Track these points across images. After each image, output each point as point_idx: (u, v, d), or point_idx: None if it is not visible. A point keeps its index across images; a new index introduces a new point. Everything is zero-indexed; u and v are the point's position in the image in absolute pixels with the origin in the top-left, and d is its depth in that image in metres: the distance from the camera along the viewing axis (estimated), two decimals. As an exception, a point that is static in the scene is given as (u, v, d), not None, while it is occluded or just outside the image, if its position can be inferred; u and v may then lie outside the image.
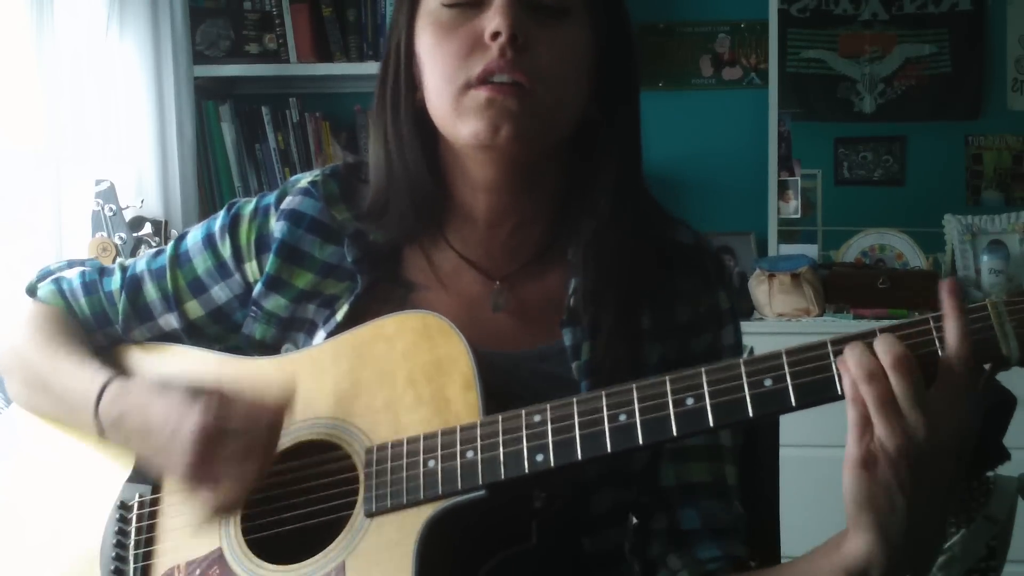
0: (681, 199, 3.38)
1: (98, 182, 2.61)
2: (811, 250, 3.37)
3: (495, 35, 1.02)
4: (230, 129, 3.34)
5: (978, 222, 3.30)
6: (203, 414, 1.01)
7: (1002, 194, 3.44)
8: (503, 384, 1.06)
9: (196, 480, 1.02)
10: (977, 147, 3.45)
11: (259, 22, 3.35)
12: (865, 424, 0.86)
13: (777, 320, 3.06)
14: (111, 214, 2.58)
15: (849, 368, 0.87)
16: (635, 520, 1.13)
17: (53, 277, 1.26)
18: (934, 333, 0.87)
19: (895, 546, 0.87)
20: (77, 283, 1.24)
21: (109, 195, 2.59)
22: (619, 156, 1.12)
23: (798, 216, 3.47)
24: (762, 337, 2.67)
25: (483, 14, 1.04)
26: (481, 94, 1.03)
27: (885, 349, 0.86)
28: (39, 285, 1.26)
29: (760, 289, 3.12)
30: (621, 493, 1.10)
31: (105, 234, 2.58)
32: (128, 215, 2.64)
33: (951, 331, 0.86)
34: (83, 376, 1.15)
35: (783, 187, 3.46)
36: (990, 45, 3.44)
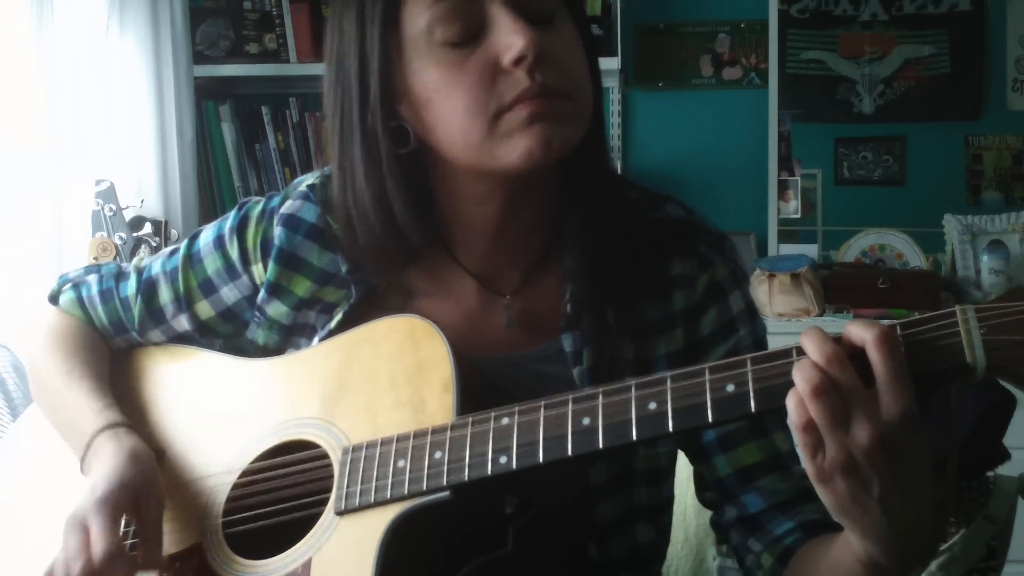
0: (681, 199, 3.37)
1: (98, 182, 2.61)
2: (811, 250, 3.37)
3: (519, 59, 0.97)
4: (230, 129, 3.34)
5: (978, 222, 3.30)
6: (94, 509, 1.03)
7: (1002, 194, 3.44)
8: (493, 386, 1.06)
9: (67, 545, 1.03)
10: (977, 147, 3.45)
11: (259, 22, 3.35)
12: (815, 445, 0.83)
13: (777, 320, 3.06)
14: (111, 214, 2.58)
15: (796, 387, 0.84)
16: (710, 515, 1.15)
17: (72, 284, 1.28)
18: (900, 340, 0.83)
19: (886, 538, 0.85)
20: (95, 291, 1.26)
21: (109, 195, 2.59)
22: (601, 149, 1.11)
23: (798, 216, 3.47)
24: (762, 337, 2.67)
25: (488, 39, 0.99)
26: (521, 113, 0.98)
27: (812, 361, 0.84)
28: (60, 292, 1.28)
29: (760, 289, 3.12)
30: (636, 496, 1.10)
31: (105, 234, 2.58)
32: (128, 215, 2.64)
33: (869, 348, 0.83)
34: (88, 414, 1.15)
35: (783, 187, 3.46)
36: (990, 45, 3.44)
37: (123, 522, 1.04)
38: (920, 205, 3.43)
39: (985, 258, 3.22)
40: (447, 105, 1.00)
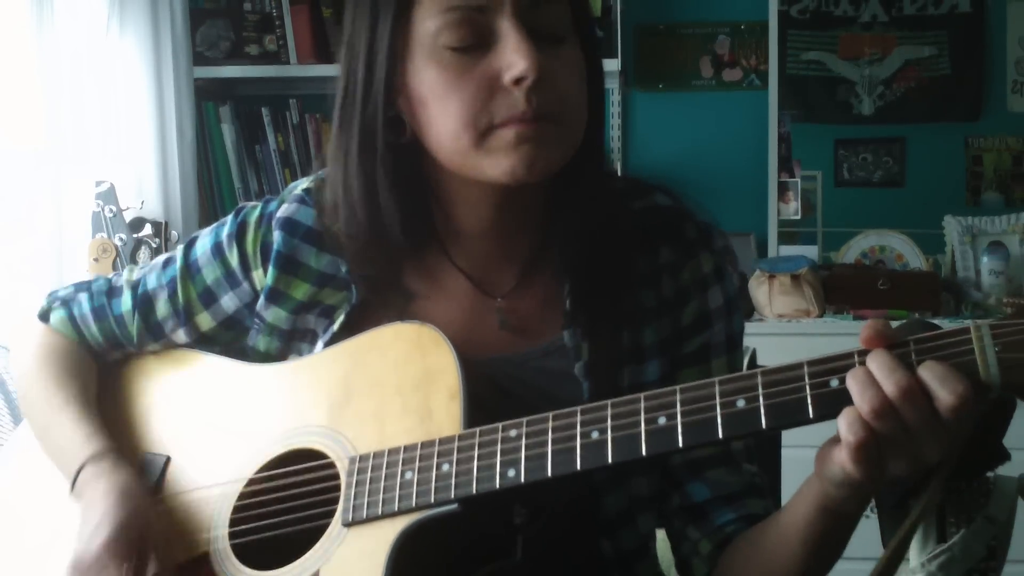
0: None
1: (98, 183, 2.61)
2: (811, 251, 3.37)
3: (519, 79, 0.98)
4: (230, 130, 3.34)
5: (978, 223, 3.30)
6: (99, 547, 1.05)
7: (1002, 195, 3.44)
8: (500, 390, 1.05)
9: None
10: (977, 148, 3.45)
11: (259, 23, 3.35)
12: (877, 453, 0.85)
13: (777, 321, 3.06)
14: (111, 215, 2.58)
15: (867, 402, 0.84)
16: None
17: (62, 302, 1.26)
18: (913, 357, 0.85)
19: (875, 489, 0.90)
20: (87, 308, 1.24)
21: (109, 196, 2.59)
22: (596, 161, 1.12)
23: (798, 217, 3.47)
24: (763, 338, 2.67)
25: (492, 53, 1.00)
26: (509, 133, 0.99)
27: (894, 378, 0.84)
28: (51, 310, 1.26)
29: (760, 290, 3.12)
30: (636, 486, 1.11)
31: (105, 235, 2.58)
32: (128, 216, 2.64)
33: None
34: (74, 441, 1.16)
35: (783, 188, 3.46)
36: (990, 47, 3.44)
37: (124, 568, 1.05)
38: (920, 206, 3.43)
39: (985, 259, 3.22)
40: (441, 108, 1.01)
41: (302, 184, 1.19)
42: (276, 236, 1.15)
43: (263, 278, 1.17)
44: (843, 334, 2.96)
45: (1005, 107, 3.44)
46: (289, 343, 1.17)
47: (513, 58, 0.98)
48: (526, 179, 1.01)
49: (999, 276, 3.19)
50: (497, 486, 0.94)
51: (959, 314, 3.14)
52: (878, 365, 0.84)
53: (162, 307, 1.21)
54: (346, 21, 1.09)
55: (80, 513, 1.10)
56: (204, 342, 1.22)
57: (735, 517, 1.09)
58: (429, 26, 1.00)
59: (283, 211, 1.16)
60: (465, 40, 1.00)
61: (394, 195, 1.06)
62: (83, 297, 1.25)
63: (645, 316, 1.11)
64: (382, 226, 1.07)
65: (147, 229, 2.74)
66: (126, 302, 1.23)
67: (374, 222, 1.07)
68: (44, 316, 1.27)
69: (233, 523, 1.08)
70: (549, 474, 0.93)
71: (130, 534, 1.06)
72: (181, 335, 1.22)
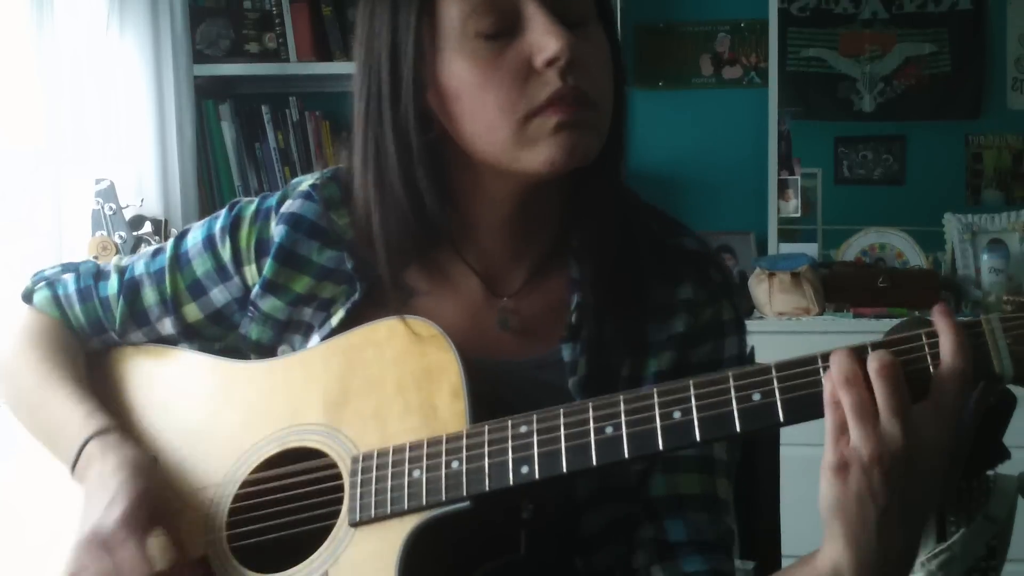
0: (681, 199, 3.38)
1: (98, 181, 2.61)
2: (811, 249, 3.37)
3: (552, 61, 0.97)
4: (230, 128, 3.34)
5: (978, 221, 3.30)
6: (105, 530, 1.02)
7: (1002, 193, 3.44)
8: (496, 393, 1.04)
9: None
10: (977, 146, 3.45)
11: (259, 21, 3.35)
12: (841, 429, 0.85)
13: (777, 319, 3.06)
14: (111, 213, 2.58)
15: (831, 372, 0.86)
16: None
17: (48, 282, 1.24)
18: (927, 350, 0.86)
19: (865, 558, 0.86)
20: (72, 289, 1.22)
21: (109, 194, 2.59)
22: (617, 156, 1.09)
23: (798, 215, 3.47)
24: (762, 336, 2.67)
25: (521, 38, 0.98)
26: (550, 119, 0.98)
27: (872, 356, 0.85)
28: (35, 290, 1.24)
29: (760, 288, 3.12)
30: (615, 510, 1.08)
31: (105, 233, 2.58)
32: (128, 214, 2.64)
33: (946, 348, 0.85)
34: (73, 418, 1.13)
35: (783, 186, 3.46)
36: (990, 44, 3.44)
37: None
38: (920, 204, 3.43)
39: (985, 257, 3.22)
40: (477, 100, 1.00)
41: (308, 180, 1.18)
42: (279, 231, 1.14)
43: (255, 274, 1.16)
44: (843, 332, 2.96)
45: (1005, 105, 3.44)
46: (282, 334, 1.16)
47: (544, 40, 0.97)
48: (565, 167, 1.00)
49: (999, 274, 3.19)
50: (511, 483, 0.93)
51: (959, 312, 3.14)
52: (880, 370, 0.85)
53: (149, 295, 1.19)
54: (361, 17, 1.06)
55: (87, 490, 1.07)
56: (190, 335, 1.20)
57: (705, 568, 1.05)
58: (455, 13, 0.99)
59: (287, 207, 1.15)
60: (494, 25, 0.98)
61: (435, 189, 1.04)
62: (69, 278, 1.23)
63: (649, 347, 1.09)
64: (423, 220, 1.05)
65: (147, 227, 2.74)
66: (112, 286, 1.20)
67: (417, 216, 1.05)
68: (27, 296, 1.24)
69: (230, 525, 1.06)
70: (564, 470, 0.92)
71: (149, 506, 1.04)
72: (167, 325, 1.20)
